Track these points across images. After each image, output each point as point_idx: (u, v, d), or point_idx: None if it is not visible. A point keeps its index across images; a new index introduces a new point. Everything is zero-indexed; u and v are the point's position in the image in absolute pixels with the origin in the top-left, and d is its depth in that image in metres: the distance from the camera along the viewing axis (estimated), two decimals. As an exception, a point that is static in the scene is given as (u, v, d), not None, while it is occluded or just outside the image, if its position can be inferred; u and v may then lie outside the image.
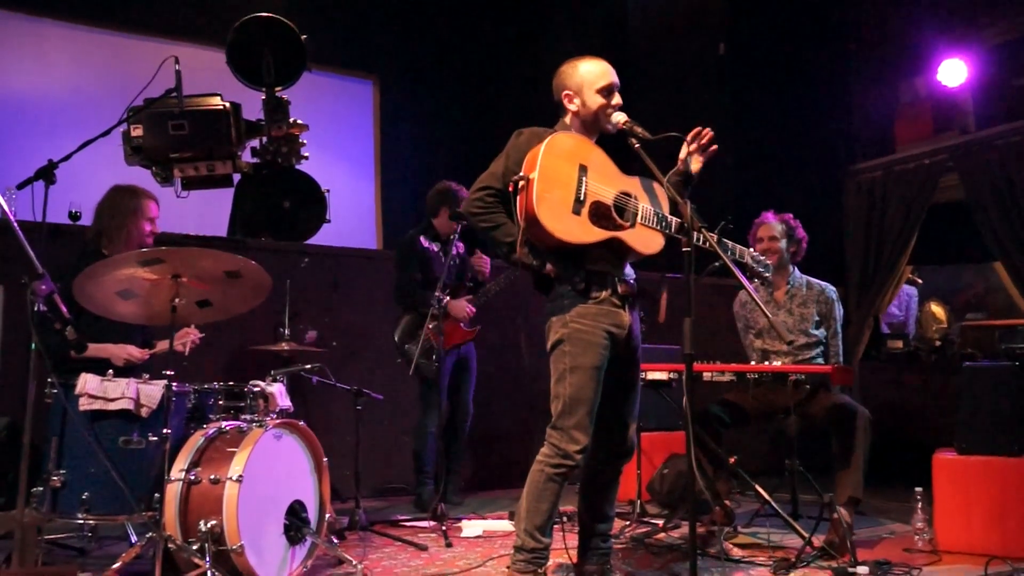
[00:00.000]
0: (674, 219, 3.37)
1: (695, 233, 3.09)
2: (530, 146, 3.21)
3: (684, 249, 3.02)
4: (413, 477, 5.67)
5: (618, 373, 3.35)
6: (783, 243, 4.97)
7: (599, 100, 3.34)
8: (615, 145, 3.39)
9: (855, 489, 4.38)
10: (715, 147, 3.40)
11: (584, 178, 3.19)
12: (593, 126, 3.38)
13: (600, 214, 3.22)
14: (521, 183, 3.11)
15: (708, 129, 3.40)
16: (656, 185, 3.42)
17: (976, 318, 7.76)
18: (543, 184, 3.08)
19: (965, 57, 7.20)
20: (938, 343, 7.52)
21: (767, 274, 3.72)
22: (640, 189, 3.38)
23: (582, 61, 3.41)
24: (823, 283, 5.00)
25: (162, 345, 4.25)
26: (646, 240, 3.34)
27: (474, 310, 5.60)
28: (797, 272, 5.06)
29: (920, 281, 8.37)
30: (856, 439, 4.42)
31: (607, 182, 3.27)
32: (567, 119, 3.43)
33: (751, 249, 3.71)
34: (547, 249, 3.20)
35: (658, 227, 3.35)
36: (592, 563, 3.44)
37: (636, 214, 3.30)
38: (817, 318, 4.90)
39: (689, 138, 3.40)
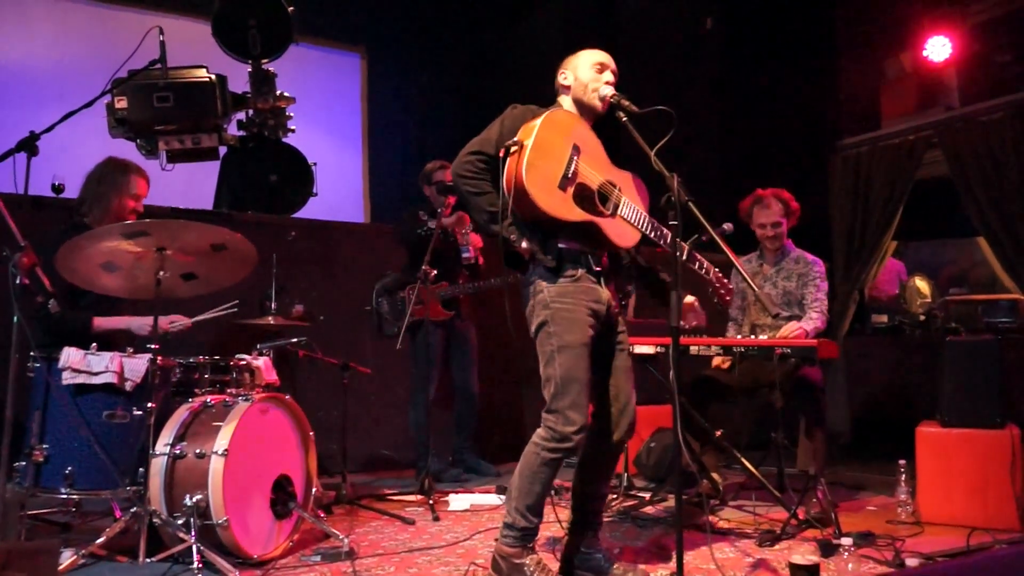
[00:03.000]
0: (665, 229, 3.32)
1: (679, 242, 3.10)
2: (524, 119, 3.21)
3: (671, 223, 3.01)
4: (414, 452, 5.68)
5: (607, 350, 3.36)
6: (784, 224, 5.02)
7: (591, 75, 3.34)
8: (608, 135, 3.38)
9: (811, 462, 4.45)
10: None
11: (576, 157, 3.17)
12: (583, 104, 3.37)
13: (583, 196, 3.20)
14: (514, 148, 3.09)
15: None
16: (636, 180, 3.42)
17: (959, 292, 7.80)
18: (535, 153, 3.07)
19: (950, 34, 7.20)
20: (922, 317, 7.57)
21: (728, 297, 3.72)
22: (630, 185, 3.39)
23: (588, 49, 3.45)
24: (814, 258, 5.03)
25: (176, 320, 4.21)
26: (622, 233, 3.33)
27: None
28: (790, 245, 5.09)
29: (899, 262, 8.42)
30: (814, 413, 4.50)
31: (596, 168, 3.26)
32: (560, 98, 3.43)
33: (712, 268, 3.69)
34: (525, 219, 3.19)
35: (637, 225, 3.34)
36: (581, 538, 3.44)
37: (618, 205, 3.29)
38: (800, 292, 4.93)
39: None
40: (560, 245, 3.23)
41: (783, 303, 4.93)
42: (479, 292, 5.65)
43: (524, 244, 3.21)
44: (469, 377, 5.84)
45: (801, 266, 4.98)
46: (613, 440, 3.41)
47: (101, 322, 3.98)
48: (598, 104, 3.34)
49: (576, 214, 3.17)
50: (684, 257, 3.38)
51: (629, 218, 3.32)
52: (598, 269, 3.32)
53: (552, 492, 4.36)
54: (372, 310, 5.61)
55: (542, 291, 3.22)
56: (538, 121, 3.11)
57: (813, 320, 4.76)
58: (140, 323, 4.04)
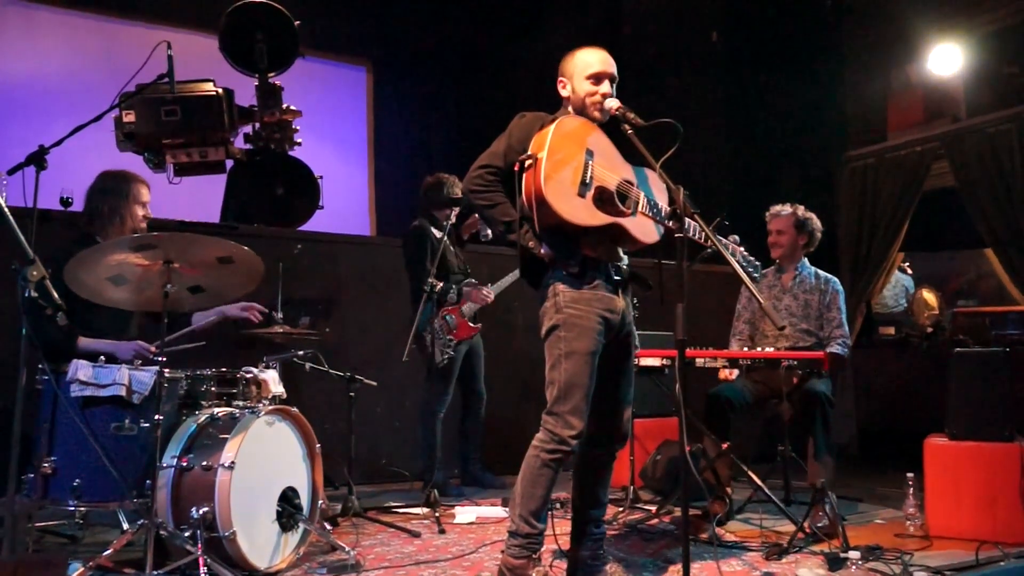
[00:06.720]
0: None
1: (688, 220, 3.12)
2: (533, 128, 3.22)
3: (676, 235, 3.02)
4: (422, 463, 5.66)
5: (613, 358, 3.35)
6: (791, 236, 5.11)
7: (587, 87, 3.33)
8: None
9: (814, 476, 4.46)
10: None
11: (591, 162, 3.19)
12: (582, 113, 3.36)
13: (604, 199, 3.22)
14: (528, 162, 3.10)
15: None
16: (651, 174, 3.42)
17: (967, 305, 7.79)
18: (551, 164, 3.08)
19: (956, 45, 7.20)
20: (930, 330, 7.56)
21: (756, 274, 3.75)
22: (647, 180, 3.39)
23: (582, 49, 3.42)
24: (830, 276, 5.10)
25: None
26: (645, 229, 3.34)
27: (492, 296, 5.63)
28: (807, 262, 5.20)
29: (910, 272, 8.40)
30: (816, 426, 4.51)
31: (611, 168, 3.27)
32: (565, 105, 3.43)
33: (742, 248, 3.72)
34: (546, 230, 3.20)
35: (657, 218, 3.35)
36: (585, 548, 3.43)
37: (637, 203, 3.30)
38: (820, 309, 4.99)
39: None
40: (583, 253, 3.24)
41: (801, 315, 5.00)
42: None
43: (544, 250, 3.22)
44: (479, 386, 5.86)
45: (821, 282, 5.09)
46: (609, 446, 3.45)
47: (87, 343, 3.97)
48: (597, 116, 3.34)
49: (599, 218, 3.19)
50: (706, 240, 3.38)
51: (649, 214, 3.33)
52: (618, 278, 3.33)
53: (557, 505, 4.38)
54: (427, 348, 5.39)
55: (558, 294, 3.23)
56: (549, 132, 3.13)
57: (837, 349, 4.84)
58: (126, 348, 4.03)
